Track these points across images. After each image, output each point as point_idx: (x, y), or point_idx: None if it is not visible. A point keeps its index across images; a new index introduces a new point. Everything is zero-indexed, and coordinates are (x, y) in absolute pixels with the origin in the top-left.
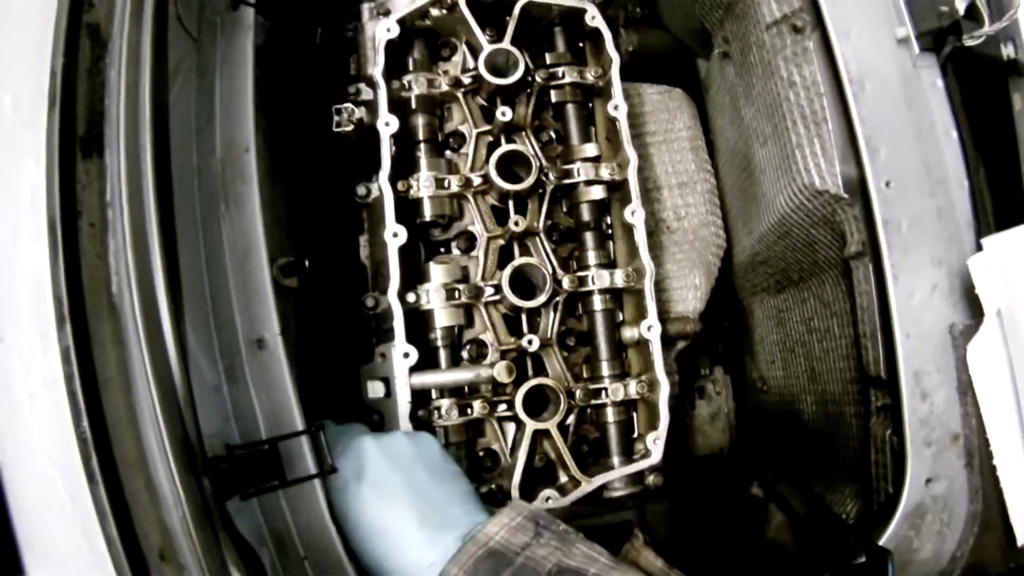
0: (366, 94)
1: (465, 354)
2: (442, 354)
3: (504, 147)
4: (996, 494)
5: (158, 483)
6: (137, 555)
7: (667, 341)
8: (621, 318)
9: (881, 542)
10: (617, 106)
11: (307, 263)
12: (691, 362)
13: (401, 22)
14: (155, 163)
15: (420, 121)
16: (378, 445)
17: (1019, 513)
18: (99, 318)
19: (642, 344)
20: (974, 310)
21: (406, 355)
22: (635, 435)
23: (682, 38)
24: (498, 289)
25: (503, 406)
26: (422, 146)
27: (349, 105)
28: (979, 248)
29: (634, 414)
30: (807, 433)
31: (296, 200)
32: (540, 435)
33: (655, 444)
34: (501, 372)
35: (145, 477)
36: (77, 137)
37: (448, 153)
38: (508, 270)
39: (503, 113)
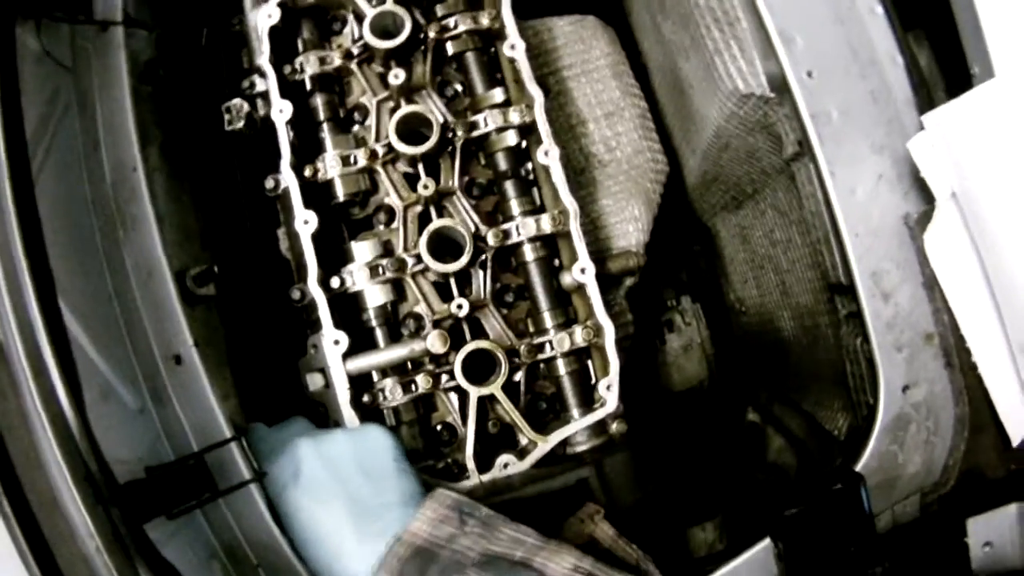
0: (260, 85)
1: (405, 330)
2: (378, 333)
3: (401, 110)
4: (983, 393)
5: (71, 518)
6: None
7: (613, 280)
8: (559, 264)
9: (862, 461)
10: (514, 45)
11: (216, 269)
12: (655, 295)
13: (282, 5)
14: (17, 208)
15: (319, 101)
16: (314, 446)
17: (1009, 411)
18: None
19: (581, 288)
20: (928, 196)
21: (336, 342)
22: (594, 384)
23: None
24: (420, 258)
25: (446, 376)
26: (324, 126)
27: (237, 101)
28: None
29: (589, 362)
30: (789, 350)
31: (208, 206)
32: (488, 400)
33: (608, 391)
34: (435, 342)
35: (59, 514)
36: None
37: (354, 128)
38: (424, 237)
39: (395, 76)
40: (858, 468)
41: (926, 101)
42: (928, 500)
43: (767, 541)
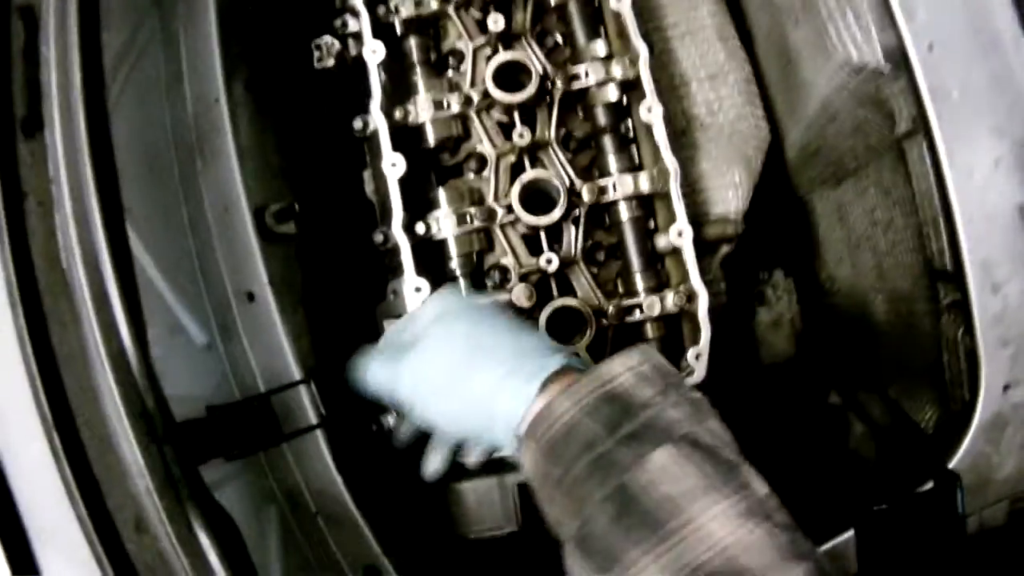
0: (353, 25)
1: (489, 281)
2: (462, 283)
3: (499, 57)
4: None
5: (123, 456)
6: (110, 529)
7: (708, 247)
8: (654, 225)
9: (955, 460)
10: None
11: (297, 207)
12: (748, 267)
13: None
14: (89, 135)
15: (412, 44)
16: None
17: None
18: (55, 297)
19: (676, 252)
20: None
21: (418, 289)
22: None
23: None
24: (511, 209)
25: None
26: (418, 69)
27: (328, 38)
28: None
29: (679, 329)
30: (880, 335)
31: (293, 144)
32: None
33: (697, 361)
34: (520, 296)
35: (112, 452)
36: (17, 119)
37: (449, 73)
38: (517, 187)
39: (495, 22)
40: (950, 467)
41: None
42: (1017, 507)
43: (850, 533)
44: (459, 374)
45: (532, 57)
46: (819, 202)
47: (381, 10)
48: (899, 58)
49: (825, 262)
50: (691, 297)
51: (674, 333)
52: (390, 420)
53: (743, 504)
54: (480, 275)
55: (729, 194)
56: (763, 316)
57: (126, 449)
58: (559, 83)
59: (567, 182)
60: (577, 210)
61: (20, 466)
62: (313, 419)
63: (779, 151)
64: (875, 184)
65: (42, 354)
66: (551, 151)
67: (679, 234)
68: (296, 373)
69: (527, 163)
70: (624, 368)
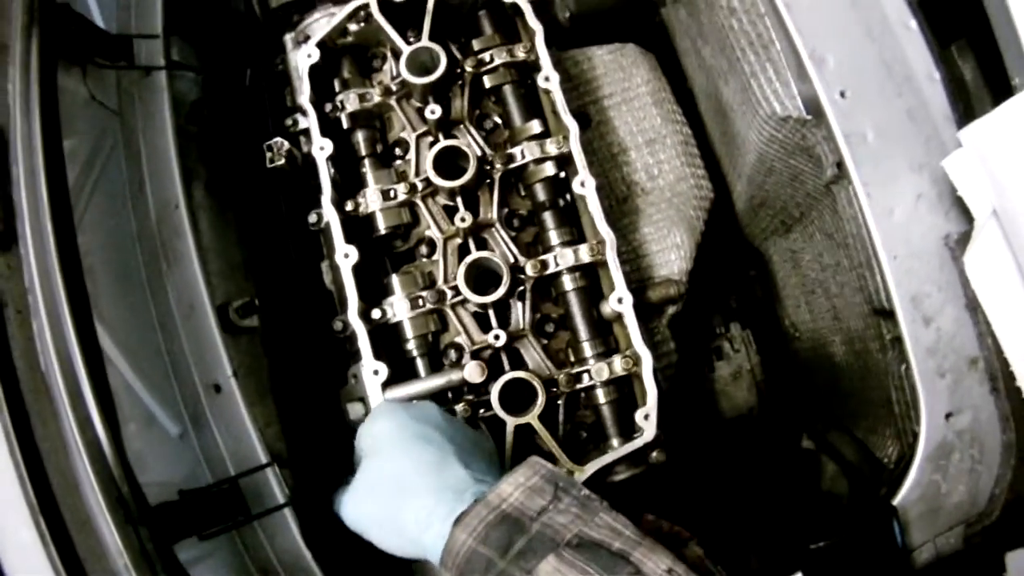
0: (303, 123)
1: (446, 360)
2: (419, 363)
3: (437, 145)
4: None
5: (103, 537)
6: None
7: (654, 308)
8: (602, 294)
9: (904, 491)
10: (548, 77)
11: (257, 302)
12: (704, 323)
13: (321, 45)
14: (58, 247)
15: (359, 137)
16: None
17: None
18: (36, 396)
19: (620, 318)
20: (971, 215)
21: (376, 372)
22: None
23: None
24: (459, 290)
25: (487, 407)
26: (366, 161)
27: (278, 139)
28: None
29: (630, 391)
30: (841, 375)
31: (254, 241)
32: (527, 430)
33: (646, 420)
34: (472, 372)
35: (92, 533)
36: None
37: (396, 163)
38: (462, 268)
39: (432, 111)
40: (899, 498)
41: (966, 117)
42: (972, 532)
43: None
44: (388, 517)
45: (471, 142)
46: (773, 251)
47: (328, 107)
48: (817, 107)
49: (786, 309)
50: (637, 360)
51: (627, 395)
52: None
53: None
54: (437, 354)
55: (672, 256)
56: (723, 370)
57: (105, 531)
58: (498, 164)
59: (511, 260)
60: (522, 285)
61: (11, 548)
62: (280, 499)
63: (730, 205)
64: (819, 229)
65: (26, 447)
66: (494, 231)
67: (619, 301)
68: (263, 457)
69: (473, 244)
70: (513, 487)
